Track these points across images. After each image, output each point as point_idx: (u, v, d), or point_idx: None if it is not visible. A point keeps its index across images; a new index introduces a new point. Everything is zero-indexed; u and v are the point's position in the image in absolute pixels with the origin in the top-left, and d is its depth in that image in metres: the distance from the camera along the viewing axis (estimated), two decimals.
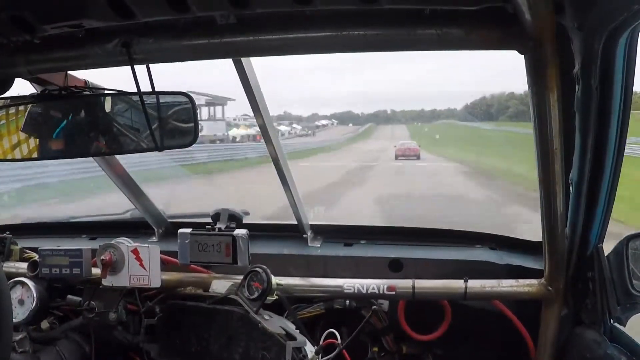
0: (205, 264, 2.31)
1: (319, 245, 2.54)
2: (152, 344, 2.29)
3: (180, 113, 1.66)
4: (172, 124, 1.66)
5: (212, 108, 35.69)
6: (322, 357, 2.08)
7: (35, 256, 2.32)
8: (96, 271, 2.19)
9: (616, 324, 1.90)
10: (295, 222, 2.55)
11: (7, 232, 2.43)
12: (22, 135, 1.76)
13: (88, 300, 2.22)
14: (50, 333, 2.25)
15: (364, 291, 2.12)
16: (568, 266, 1.99)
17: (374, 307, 2.20)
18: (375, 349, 2.28)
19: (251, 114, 2.17)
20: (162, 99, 1.62)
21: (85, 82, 1.81)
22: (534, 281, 2.06)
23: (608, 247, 1.89)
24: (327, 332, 2.21)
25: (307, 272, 2.34)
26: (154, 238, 2.68)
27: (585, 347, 1.90)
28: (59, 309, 2.32)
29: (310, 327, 2.23)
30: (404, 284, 2.12)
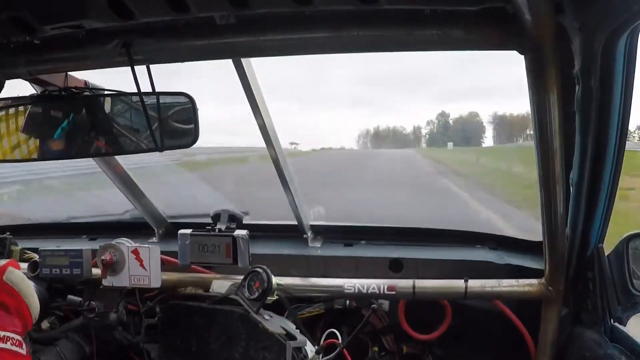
0: (206, 264, 2.31)
1: (319, 246, 2.54)
2: (152, 344, 2.29)
3: (181, 113, 1.65)
4: (172, 124, 1.66)
5: None
6: (322, 357, 2.08)
7: (36, 257, 2.32)
8: (96, 271, 2.19)
9: (616, 324, 1.90)
10: (296, 223, 2.56)
11: (8, 233, 2.43)
12: (22, 136, 1.76)
13: (88, 300, 2.22)
14: (50, 333, 2.25)
15: (364, 291, 2.13)
16: (568, 266, 1.99)
17: (373, 306, 2.20)
18: (376, 348, 2.29)
19: None
20: (163, 100, 1.62)
21: (85, 82, 1.81)
22: (534, 281, 2.06)
23: None
24: (327, 332, 2.22)
25: (307, 272, 2.34)
26: (154, 238, 2.69)
27: (586, 347, 1.90)
28: (60, 309, 2.32)
29: (310, 327, 2.23)
30: (404, 283, 2.12)
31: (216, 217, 2.31)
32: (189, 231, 2.26)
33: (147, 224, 2.69)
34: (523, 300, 2.11)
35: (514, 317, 2.16)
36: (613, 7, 1.22)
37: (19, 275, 1.73)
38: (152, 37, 1.47)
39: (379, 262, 2.37)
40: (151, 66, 1.54)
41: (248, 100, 2.03)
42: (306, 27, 1.39)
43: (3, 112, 1.75)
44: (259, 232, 2.54)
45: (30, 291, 1.74)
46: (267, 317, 2.05)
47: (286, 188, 2.41)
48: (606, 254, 1.90)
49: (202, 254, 2.24)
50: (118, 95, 1.72)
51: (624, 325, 1.90)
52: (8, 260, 1.84)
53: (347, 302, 2.27)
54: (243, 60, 1.87)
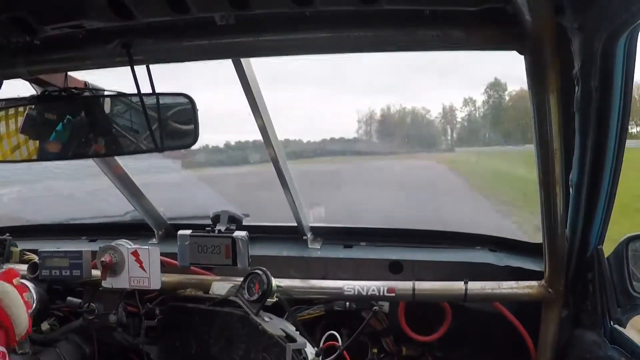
0: (205, 265, 2.31)
1: (318, 247, 2.54)
2: (152, 346, 2.28)
3: (181, 114, 1.65)
4: (172, 125, 1.66)
5: None
6: (322, 359, 2.07)
7: (35, 258, 2.32)
8: (96, 273, 2.19)
9: (616, 326, 1.90)
10: (295, 224, 2.56)
11: (7, 234, 2.43)
12: (22, 137, 1.76)
13: (88, 302, 2.22)
14: (50, 335, 2.25)
15: (364, 293, 2.12)
16: (568, 268, 1.99)
17: (374, 308, 2.20)
18: (375, 350, 2.28)
19: None
20: (162, 100, 1.62)
21: (85, 83, 1.82)
22: (534, 283, 2.06)
23: None
24: (327, 334, 2.21)
25: (307, 274, 2.34)
26: (154, 240, 2.69)
27: (586, 348, 1.90)
28: (59, 311, 2.32)
29: (310, 329, 2.23)
30: (404, 285, 2.12)
31: (216, 219, 2.31)
32: (188, 232, 2.26)
33: (146, 226, 2.69)
34: (523, 302, 2.11)
35: (514, 319, 2.16)
36: (612, 7, 1.23)
37: (4, 289, 1.65)
38: (152, 37, 1.47)
39: (379, 264, 2.37)
40: (151, 66, 1.55)
41: (247, 100, 2.03)
42: (306, 28, 1.39)
43: (3, 113, 1.75)
44: (259, 233, 2.54)
45: (16, 305, 1.65)
46: (266, 319, 2.05)
47: (286, 189, 2.40)
48: (606, 256, 1.90)
49: (202, 255, 2.23)
50: (118, 96, 1.72)
51: (624, 327, 1.90)
52: (3, 270, 1.77)
53: (347, 304, 2.26)
54: (243, 60, 1.87)
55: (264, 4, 1.29)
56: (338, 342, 2.19)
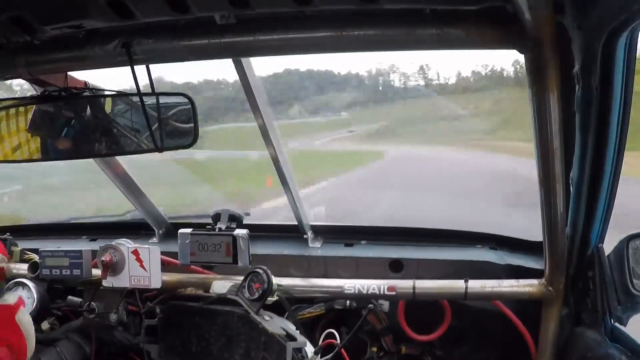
0: (206, 264, 2.31)
1: (319, 246, 2.54)
2: (152, 345, 2.29)
3: (180, 114, 1.66)
4: (172, 124, 1.66)
5: None
6: (321, 357, 2.08)
7: (36, 257, 2.32)
8: (96, 272, 2.19)
9: (617, 324, 1.90)
10: (296, 223, 2.56)
11: (8, 234, 2.43)
12: (22, 137, 1.76)
13: (88, 301, 2.22)
14: (50, 334, 2.25)
15: (365, 291, 2.12)
16: (568, 266, 1.99)
17: (369, 305, 2.20)
18: (374, 348, 2.29)
19: None
20: (162, 100, 1.62)
21: (85, 83, 1.81)
22: (534, 281, 2.06)
23: None
24: (326, 332, 2.22)
25: (307, 273, 2.35)
26: (155, 239, 2.69)
27: (586, 346, 1.90)
28: (60, 310, 2.32)
29: (310, 328, 2.23)
30: (404, 284, 2.12)
31: (216, 217, 2.31)
32: (189, 230, 2.26)
33: (147, 225, 2.69)
34: (523, 300, 2.11)
35: (514, 318, 2.16)
36: (613, 6, 1.22)
37: (27, 317, 1.83)
38: (152, 37, 1.46)
39: (379, 263, 2.37)
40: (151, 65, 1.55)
41: (248, 99, 2.03)
42: (306, 27, 1.39)
43: (3, 113, 1.75)
44: (259, 232, 2.54)
45: (31, 333, 1.82)
46: (267, 317, 2.05)
47: (286, 188, 2.40)
48: (606, 254, 1.90)
49: (202, 253, 2.23)
50: (118, 96, 1.72)
51: (624, 325, 1.90)
52: (17, 298, 1.97)
53: (348, 302, 2.26)
54: (243, 60, 1.87)
55: (264, 3, 1.29)
56: (337, 340, 2.19)
